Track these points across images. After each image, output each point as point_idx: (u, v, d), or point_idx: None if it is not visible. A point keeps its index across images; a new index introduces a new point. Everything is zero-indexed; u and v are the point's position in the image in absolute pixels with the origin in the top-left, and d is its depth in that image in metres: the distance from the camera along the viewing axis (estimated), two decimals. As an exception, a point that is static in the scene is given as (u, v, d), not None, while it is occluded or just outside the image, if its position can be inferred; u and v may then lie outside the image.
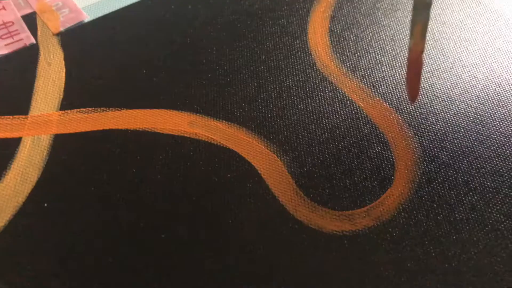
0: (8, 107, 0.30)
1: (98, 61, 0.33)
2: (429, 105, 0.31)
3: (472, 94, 0.32)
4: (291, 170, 0.28)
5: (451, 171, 0.28)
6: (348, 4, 0.37)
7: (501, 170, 0.28)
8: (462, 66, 0.33)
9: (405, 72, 0.32)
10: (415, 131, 0.30)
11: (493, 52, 0.34)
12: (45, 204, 0.27)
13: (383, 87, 0.32)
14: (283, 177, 0.28)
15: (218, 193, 0.27)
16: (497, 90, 0.32)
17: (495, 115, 0.31)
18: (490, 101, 0.31)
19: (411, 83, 0.29)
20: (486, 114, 0.31)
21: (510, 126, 0.30)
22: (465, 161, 0.29)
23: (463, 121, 0.30)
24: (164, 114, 0.31)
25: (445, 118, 0.30)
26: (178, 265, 0.25)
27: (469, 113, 0.31)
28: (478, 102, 0.31)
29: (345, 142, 0.30)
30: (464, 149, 0.29)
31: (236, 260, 0.25)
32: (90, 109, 0.31)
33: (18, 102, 0.31)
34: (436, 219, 0.26)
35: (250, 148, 0.29)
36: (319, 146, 0.29)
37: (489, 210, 0.27)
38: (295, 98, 0.31)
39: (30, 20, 0.35)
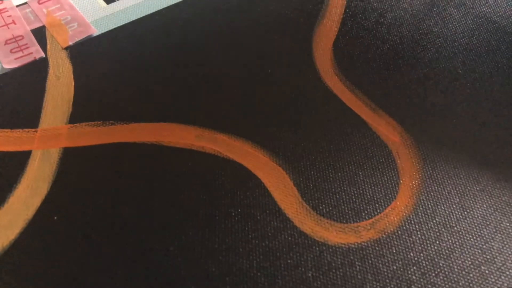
0: (18, 121, 0.31)
1: (107, 75, 0.34)
2: (432, 117, 0.32)
3: (472, 106, 0.32)
4: (297, 183, 0.29)
5: (454, 182, 0.29)
6: (352, 19, 0.37)
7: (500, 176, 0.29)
8: (465, 79, 0.33)
9: (407, 85, 0.33)
10: (419, 142, 0.30)
11: (494, 68, 0.34)
12: (55, 217, 0.27)
13: (386, 100, 0.32)
14: (289, 190, 0.28)
15: (225, 206, 0.28)
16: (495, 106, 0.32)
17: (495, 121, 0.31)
18: (483, 109, 0.32)
19: None
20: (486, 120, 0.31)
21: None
22: (473, 170, 0.29)
23: (464, 133, 0.31)
24: (171, 127, 0.31)
25: (448, 130, 0.31)
26: (187, 276, 0.25)
27: (471, 123, 0.31)
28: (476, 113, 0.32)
29: (350, 154, 0.30)
30: (464, 160, 0.30)
31: (241, 276, 0.25)
32: (98, 122, 0.31)
33: (28, 115, 0.31)
34: (441, 230, 0.27)
35: (256, 161, 0.30)
36: (324, 158, 0.30)
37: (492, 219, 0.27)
38: (300, 111, 0.32)
39: (40, 34, 0.36)
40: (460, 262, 0.26)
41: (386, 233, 0.27)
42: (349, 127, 0.31)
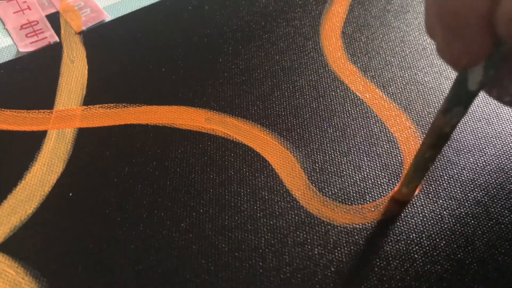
0: (34, 102, 0.32)
1: (119, 59, 0.34)
2: (436, 105, 0.32)
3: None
4: (304, 166, 0.30)
5: (457, 168, 0.29)
6: (359, 6, 0.38)
7: (505, 167, 0.29)
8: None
9: (413, 72, 0.34)
10: (423, 130, 0.31)
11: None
12: (70, 194, 0.28)
13: (392, 88, 0.33)
14: (296, 172, 0.29)
15: (234, 186, 0.29)
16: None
17: (500, 114, 0.32)
18: (495, 100, 0.32)
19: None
20: (491, 113, 0.32)
21: (514, 126, 0.31)
22: (471, 158, 0.30)
23: (469, 120, 0.31)
24: (182, 110, 0.32)
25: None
26: (196, 254, 0.26)
27: (475, 112, 0.32)
28: (484, 101, 0.32)
29: (355, 140, 0.31)
30: (470, 147, 0.30)
31: (250, 252, 0.26)
32: (112, 104, 0.32)
33: (43, 97, 0.32)
34: (442, 213, 0.28)
35: (265, 144, 0.30)
36: (331, 143, 0.31)
37: (494, 205, 0.28)
38: (307, 97, 0.33)
39: (54, 19, 0.37)
40: (460, 242, 0.27)
41: (390, 215, 0.28)
42: (355, 113, 0.32)
